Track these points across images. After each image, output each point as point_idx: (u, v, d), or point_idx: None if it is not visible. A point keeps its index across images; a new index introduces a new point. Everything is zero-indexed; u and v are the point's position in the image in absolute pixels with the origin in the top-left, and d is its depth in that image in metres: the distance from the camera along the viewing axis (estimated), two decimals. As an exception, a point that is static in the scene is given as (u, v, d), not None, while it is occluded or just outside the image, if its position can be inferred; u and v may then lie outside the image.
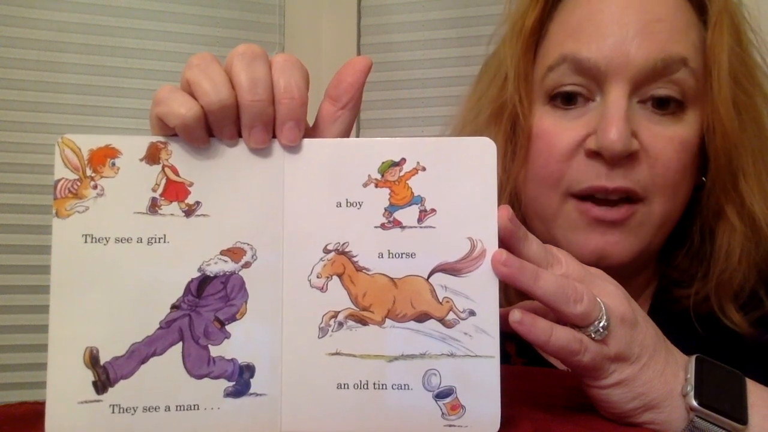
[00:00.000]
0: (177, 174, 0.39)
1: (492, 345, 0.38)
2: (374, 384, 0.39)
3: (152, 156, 0.39)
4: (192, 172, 0.39)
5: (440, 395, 0.39)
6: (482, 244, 0.39)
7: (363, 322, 0.39)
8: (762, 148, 0.57)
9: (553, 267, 0.41)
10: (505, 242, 0.39)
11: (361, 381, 0.39)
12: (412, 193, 0.39)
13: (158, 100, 0.39)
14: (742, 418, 0.41)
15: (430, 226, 0.39)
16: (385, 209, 0.40)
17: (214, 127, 0.39)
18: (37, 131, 1.39)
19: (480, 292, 0.39)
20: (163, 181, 0.39)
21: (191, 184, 0.39)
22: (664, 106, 0.55)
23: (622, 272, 0.54)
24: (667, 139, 0.55)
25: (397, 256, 0.39)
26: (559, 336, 0.39)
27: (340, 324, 0.39)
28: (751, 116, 0.57)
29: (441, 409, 0.39)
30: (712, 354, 0.44)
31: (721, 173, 0.57)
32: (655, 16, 0.55)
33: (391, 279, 0.39)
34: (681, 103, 0.56)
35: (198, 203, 0.39)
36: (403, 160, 0.40)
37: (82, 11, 1.42)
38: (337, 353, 0.39)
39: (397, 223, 0.39)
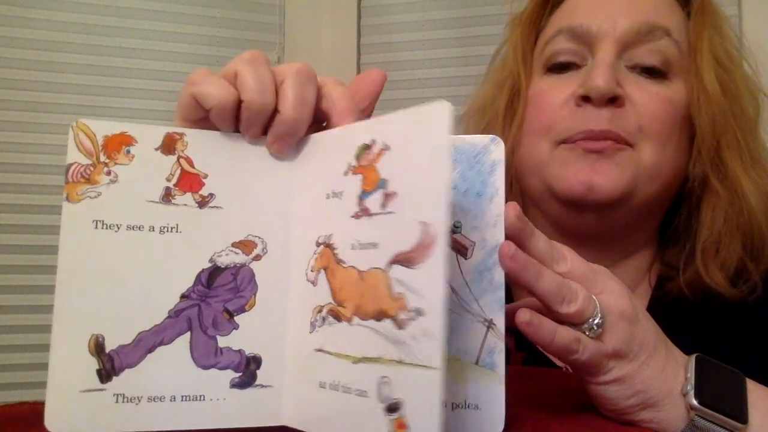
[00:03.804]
0: (192, 165, 0.39)
1: (436, 353, 0.29)
2: (342, 386, 0.35)
3: (168, 146, 0.39)
4: (207, 164, 0.39)
5: (391, 408, 0.31)
6: (433, 228, 0.31)
7: (338, 317, 0.36)
8: (743, 128, 0.61)
9: (558, 263, 0.41)
10: (512, 239, 0.39)
11: (333, 382, 0.35)
12: (378, 176, 0.35)
13: (194, 81, 0.39)
14: (742, 417, 0.41)
15: (391, 212, 0.34)
16: (358, 197, 0.36)
17: (244, 122, 0.39)
18: (37, 131, 1.39)
19: (428, 288, 0.31)
20: (178, 171, 0.39)
21: (205, 176, 0.39)
22: (649, 73, 0.60)
23: (620, 246, 0.58)
24: (653, 94, 0.59)
25: (363, 246, 0.35)
26: (561, 336, 0.39)
27: (323, 319, 0.37)
28: (733, 95, 0.61)
29: (388, 427, 0.31)
30: (713, 338, 0.44)
31: (706, 141, 0.60)
32: None
33: (359, 272, 0.35)
34: (665, 73, 0.60)
35: (211, 195, 0.39)
36: (373, 141, 0.35)
37: (82, 11, 1.42)
38: (320, 350, 0.37)
39: (366, 211, 0.35)
